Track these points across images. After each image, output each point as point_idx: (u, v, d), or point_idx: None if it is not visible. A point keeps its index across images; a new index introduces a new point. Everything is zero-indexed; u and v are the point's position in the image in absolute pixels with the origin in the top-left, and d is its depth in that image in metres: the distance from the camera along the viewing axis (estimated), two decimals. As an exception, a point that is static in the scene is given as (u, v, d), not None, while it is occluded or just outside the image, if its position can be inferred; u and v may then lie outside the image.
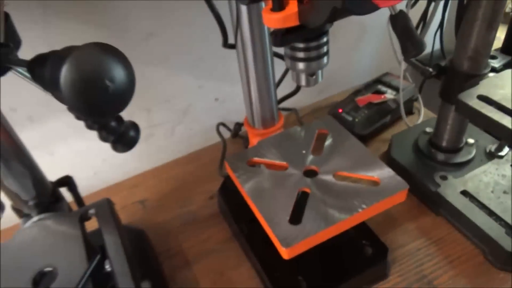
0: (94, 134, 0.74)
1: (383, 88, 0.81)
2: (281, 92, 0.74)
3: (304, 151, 0.53)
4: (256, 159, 0.53)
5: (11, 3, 0.54)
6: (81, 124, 0.71)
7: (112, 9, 0.63)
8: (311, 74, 0.40)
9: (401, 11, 0.39)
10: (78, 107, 0.23)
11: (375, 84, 0.82)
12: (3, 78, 0.36)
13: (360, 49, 0.91)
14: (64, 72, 0.21)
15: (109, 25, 0.64)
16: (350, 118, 0.76)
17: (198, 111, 0.81)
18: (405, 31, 0.39)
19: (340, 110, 0.78)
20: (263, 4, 0.37)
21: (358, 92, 0.81)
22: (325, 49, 0.40)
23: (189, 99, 0.79)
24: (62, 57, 0.23)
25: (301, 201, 0.47)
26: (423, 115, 0.81)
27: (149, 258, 0.60)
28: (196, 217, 0.69)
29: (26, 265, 0.41)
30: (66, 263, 0.41)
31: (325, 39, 0.39)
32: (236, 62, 0.56)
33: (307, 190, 0.48)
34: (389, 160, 0.70)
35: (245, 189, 0.49)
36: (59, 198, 0.51)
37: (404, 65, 0.72)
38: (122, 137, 0.44)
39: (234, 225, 0.61)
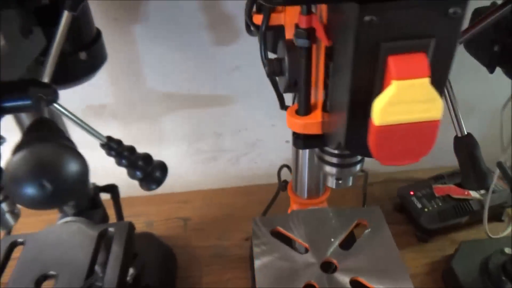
0: (168, 142, 0.79)
1: (472, 182, 0.70)
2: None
3: (333, 239, 0.49)
4: (281, 229, 0.51)
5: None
6: (154, 131, 0.77)
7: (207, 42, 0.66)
8: (338, 178, 0.37)
9: (469, 134, 0.33)
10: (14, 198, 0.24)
11: (464, 174, 0.71)
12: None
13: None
14: (9, 163, 0.23)
15: (203, 54, 0.67)
16: (419, 205, 0.68)
17: (266, 147, 0.81)
18: (469, 159, 0.33)
19: (412, 193, 0.70)
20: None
21: (439, 178, 0.71)
22: (358, 157, 0.36)
23: (260, 135, 0.79)
24: (19, 146, 0.24)
25: (306, 294, 0.44)
26: (513, 229, 0.68)
27: (165, 278, 0.62)
28: (227, 254, 0.69)
29: (37, 263, 0.46)
30: (68, 274, 0.45)
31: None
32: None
33: (315, 285, 0.44)
34: (447, 268, 0.61)
35: (255, 261, 0.47)
36: (98, 205, 0.55)
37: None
38: (149, 176, 0.46)
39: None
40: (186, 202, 0.79)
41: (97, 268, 0.54)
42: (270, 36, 0.39)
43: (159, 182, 0.46)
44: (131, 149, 0.44)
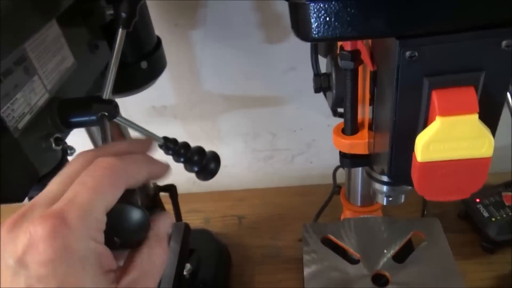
0: (225, 141, 0.81)
1: (549, 191, 0.64)
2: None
3: (385, 251, 0.48)
4: (331, 237, 0.50)
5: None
6: (211, 131, 0.79)
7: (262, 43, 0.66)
8: (388, 196, 0.35)
9: None
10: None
11: (540, 182, 0.66)
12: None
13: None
14: None
15: (258, 55, 0.67)
16: (486, 215, 0.63)
17: (322, 147, 0.80)
18: None
19: (478, 200, 0.66)
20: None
21: (510, 185, 0.66)
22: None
23: (315, 134, 0.79)
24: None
25: (355, 306, 0.44)
26: None
27: (220, 274, 0.65)
28: (280, 254, 0.70)
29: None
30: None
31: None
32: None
33: (366, 298, 0.44)
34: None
35: (305, 269, 0.47)
36: (157, 204, 0.59)
37: None
38: (204, 169, 0.48)
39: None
40: (241, 200, 0.81)
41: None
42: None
43: (213, 173, 0.48)
44: (186, 145, 0.46)
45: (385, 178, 0.34)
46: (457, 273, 0.44)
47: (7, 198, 0.32)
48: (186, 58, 0.69)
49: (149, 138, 0.26)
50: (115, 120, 0.42)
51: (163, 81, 0.71)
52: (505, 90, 0.20)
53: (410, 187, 0.34)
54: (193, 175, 0.86)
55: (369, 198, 0.54)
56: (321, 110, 0.74)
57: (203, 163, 0.47)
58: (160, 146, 0.46)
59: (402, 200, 0.37)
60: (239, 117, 0.77)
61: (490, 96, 0.20)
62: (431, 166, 0.20)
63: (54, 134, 0.35)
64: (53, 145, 0.35)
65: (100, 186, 0.19)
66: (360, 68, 0.28)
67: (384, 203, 0.37)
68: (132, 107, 0.75)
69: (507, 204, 0.63)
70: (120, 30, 0.38)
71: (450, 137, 0.19)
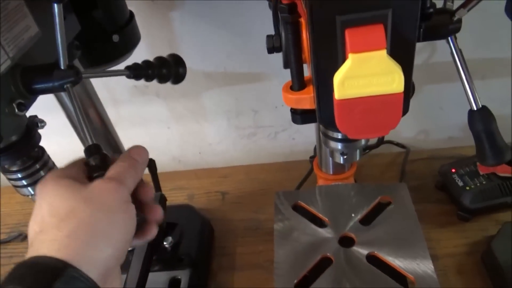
0: (209, 119, 0.82)
1: (524, 160, 0.65)
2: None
3: (353, 214, 0.49)
4: (302, 204, 0.52)
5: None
6: (194, 109, 0.80)
7: (238, 14, 0.67)
8: (344, 153, 0.36)
9: (484, 107, 0.32)
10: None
11: (515, 152, 0.66)
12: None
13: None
14: None
15: (240, 32, 0.68)
16: (461, 184, 0.64)
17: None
18: (485, 133, 0.32)
19: (454, 170, 0.66)
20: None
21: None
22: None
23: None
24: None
25: (321, 266, 0.45)
26: None
27: (202, 247, 0.66)
28: (261, 227, 0.71)
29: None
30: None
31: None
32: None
33: (331, 258, 0.45)
34: (487, 249, 0.58)
35: (275, 234, 0.48)
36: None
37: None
38: (175, 76, 0.48)
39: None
40: (226, 177, 0.82)
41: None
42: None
43: (184, 75, 0.49)
44: (150, 64, 0.46)
45: (338, 135, 0.34)
46: (420, 233, 0.45)
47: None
48: (165, 35, 0.69)
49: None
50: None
51: (142, 59, 0.72)
52: (414, 28, 0.21)
53: (363, 143, 0.35)
54: (178, 154, 0.88)
55: (341, 166, 0.55)
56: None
57: (172, 71, 0.48)
58: (128, 76, 0.47)
59: (358, 157, 0.38)
60: (222, 95, 0.77)
61: (401, 34, 0.21)
62: (348, 103, 0.21)
63: (17, 100, 0.36)
64: (16, 110, 0.36)
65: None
66: (305, 27, 0.29)
67: (341, 162, 0.37)
68: (114, 86, 0.76)
69: (481, 173, 0.64)
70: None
71: (363, 73, 0.20)
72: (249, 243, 0.69)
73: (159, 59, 0.47)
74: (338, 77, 0.20)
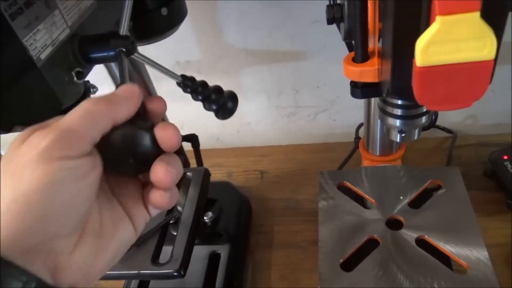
0: (248, 98, 0.81)
1: None
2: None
3: (402, 197, 0.48)
4: (347, 184, 0.51)
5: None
6: (235, 86, 0.80)
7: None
8: (401, 131, 0.35)
9: None
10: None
11: None
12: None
13: None
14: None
15: (283, 8, 0.66)
16: (513, 171, 0.61)
17: (346, 105, 0.79)
18: None
19: (506, 157, 0.63)
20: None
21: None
22: (423, 108, 0.33)
23: (340, 91, 0.78)
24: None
25: (368, 248, 0.44)
26: None
27: (240, 224, 0.67)
28: (299, 207, 0.71)
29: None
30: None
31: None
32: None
33: (378, 239, 0.44)
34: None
35: (320, 213, 0.48)
36: (179, 152, 0.60)
37: None
38: (222, 107, 0.48)
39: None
40: (264, 156, 0.82)
41: (179, 207, 0.60)
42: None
43: (231, 111, 0.49)
44: (204, 84, 0.47)
45: (398, 112, 0.33)
46: (473, 219, 0.43)
47: (31, 124, 0.34)
48: (209, 10, 0.69)
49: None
50: (134, 57, 0.44)
51: (186, 35, 0.72)
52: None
53: (424, 121, 0.34)
54: (217, 133, 0.88)
55: (388, 148, 0.54)
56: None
57: (221, 101, 0.48)
58: (179, 84, 0.47)
59: (416, 136, 0.36)
60: (263, 73, 0.77)
61: (495, -5, 0.19)
62: (431, 71, 0.20)
63: (75, 68, 0.37)
64: (75, 78, 0.36)
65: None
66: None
67: (398, 140, 0.36)
68: (156, 61, 0.77)
69: (536, 160, 0.61)
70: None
71: (450, 38, 0.19)
72: (287, 222, 0.69)
73: (216, 86, 0.48)
74: (422, 42, 0.19)
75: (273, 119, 0.83)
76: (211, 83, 0.81)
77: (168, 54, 0.75)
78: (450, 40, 0.19)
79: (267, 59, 0.75)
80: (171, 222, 0.50)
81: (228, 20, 0.69)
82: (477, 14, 0.18)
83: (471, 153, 0.72)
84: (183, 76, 0.46)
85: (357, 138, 0.56)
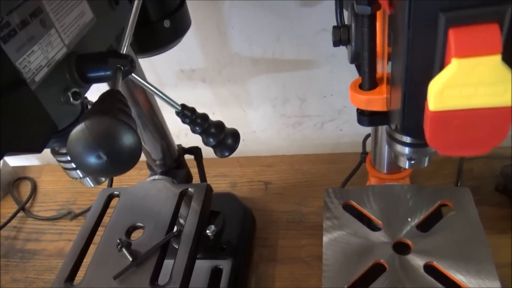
0: (254, 106, 0.80)
1: None
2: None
3: (410, 219, 0.46)
4: (353, 203, 0.49)
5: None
6: (240, 95, 0.78)
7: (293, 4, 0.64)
8: (411, 158, 0.33)
9: None
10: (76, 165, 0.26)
11: None
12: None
13: None
14: (71, 134, 0.25)
15: (289, 16, 0.65)
16: (526, 187, 0.59)
17: (353, 114, 0.77)
18: None
19: (518, 173, 0.61)
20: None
21: (557, 158, 0.61)
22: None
23: (347, 101, 0.75)
24: (83, 117, 0.26)
25: (374, 273, 0.42)
26: None
27: (243, 237, 0.65)
28: (305, 220, 0.70)
29: (129, 215, 0.51)
30: (153, 227, 0.50)
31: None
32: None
33: (385, 264, 0.42)
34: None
35: (324, 234, 0.46)
36: (182, 165, 0.59)
37: None
38: (221, 143, 0.47)
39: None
40: (269, 166, 0.80)
41: (182, 222, 0.59)
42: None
43: (231, 149, 0.47)
44: (204, 116, 0.46)
45: (407, 139, 0.31)
46: (485, 244, 0.41)
47: (25, 149, 0.33)
48: (214, 19, 0.67)
49: None
50: (132, 79, 0.42)
51: (191, 43, 0.71)
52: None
53: (434, 150, 0.32)
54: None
55: (396, 165, 0.52)
56: (354, 74, 0.71)
57: (221, 137, 0.46)
58: (177, 113, 0.46)
59: (426, 163, 0.34)
60: (268, 81, 0.75)
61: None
62: (445, 116, 0.18)
63: (72, 88, 0.35)
64: (71, 99, 0.35)
65: None
66: (380, 20, 0.26)
67: (407, 167, 0.34)
68: (161, 70, 0.76)
69: (551, 177, 0.59)
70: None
71: (468, 82, 0.17)
72: (292, 236, 0.67)
73: (218, 121, 0.46)
74: (437, 85, 0.17)
75: (279, 128, 0.82)
76: (215, 91, 0.80)
77: (172, 62, 0.74)
78: (467, 84, 0.17)
79: (273, 67, 0.73)
80: (173, 235, 0.49)
81: (233, 28, 0.67)
82: (498, 57, 0.16)
83: (483, 166, 0.70)
84: (182, 105, 0.44)
85: (364, 153, 0.54)
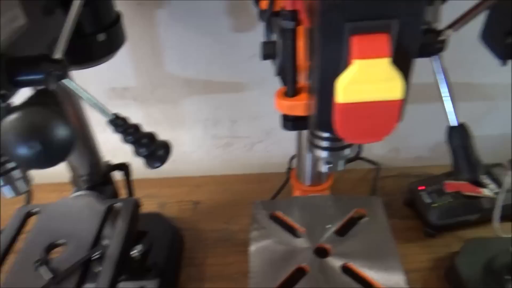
0: (185, 127, 0.81)
1: (486, 181, 0.69)
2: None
3: (329, 226, 0.50)
4: (279, 214, 0.52)
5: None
6: (171, 115, 0.79)
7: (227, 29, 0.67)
8: (328, 162, 0.37)
9: (462, 124, 0.33)
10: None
11: (479, 172, 0.70)
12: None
13: (482, 124, 0.78)
14: (2, 124, 0.25)
15: (223, 41, 0.68)
16: (428, 201, 0.67)
17: (281, 136, 0.82)
18: (461, 149, 0.33)
19: (421, 188, 0.69)
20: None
21: (451, 174, 0.70)
22: (347, 142, 0.36)
23: (275, 123, 0.80)
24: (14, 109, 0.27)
25: (296, 276, 0.45)
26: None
27: (171, 257, 0.65)
28: (233, 238, 0.71)
29: (49, 232, 0.49)
30: (76, 243, 0.48)
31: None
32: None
33: (306, 268, 0.46)
34: (450, 265, 0.60)
35: (251, 243, 0.48)
36: (108, 182, 0.59)
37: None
38: (153, 154, 0.48)
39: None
40: (198, 186, 0.81)
41: (107, 240, 0.57)
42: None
43: (162, 160, 0.48)
44: (136, 127, 0.46)
45: (324, 144, 0.35)
46: (393, 246, 0.46)
47: None
48: (149, 38, 0.69)
49: None
50: (64, 84, 0.42)
51: (124, 62, 0.71)
52: (417, 40, 0.22)
53: (348, 152, 0.36)
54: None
55: (318, 178, 0.56)
56: (280, 98, 0.76)
57: (152, 148, 0.46)
58: (110, 122, 0.46)
59: (342, 167, 0.39)
60: (201, 102, 0.77)
61: (405, 44, 0.22)
62: (350, 108, 0.22)
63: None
64: (-3, 101, 0.34)
65: None
66: (302, 39, 0.30)
67: (325, 170, 0.38)
68: (92, 88, 0.74)
69: (447, 191, 0.67)
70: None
71: (366, 79, 0.21)
72: (220, 254, 0.68)
73: (150, 132, 0.46)
74: (342, 82, 0.21)
75: (209, 148, 0.84)
76: (147, 111, 0.80)
77: (104, 80, 0.73)
78: (365, 81, 0.21)
79: (205, 89, 0.76)
80: (94, 258, 0.47)
81: (167, 48, 0.69)
82: (387, 60, 0.21)
83: (393, 183, 0.78)
84: (115, 115, 0.44)
85: (289, 168, 0.58)
